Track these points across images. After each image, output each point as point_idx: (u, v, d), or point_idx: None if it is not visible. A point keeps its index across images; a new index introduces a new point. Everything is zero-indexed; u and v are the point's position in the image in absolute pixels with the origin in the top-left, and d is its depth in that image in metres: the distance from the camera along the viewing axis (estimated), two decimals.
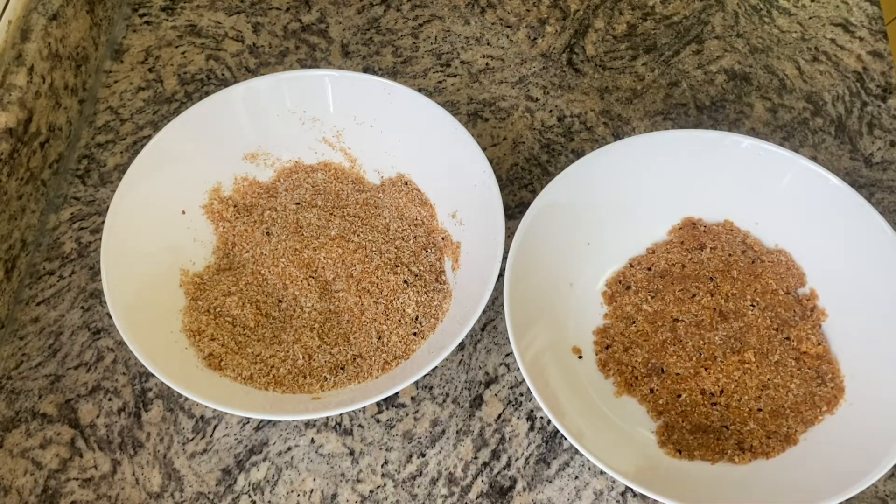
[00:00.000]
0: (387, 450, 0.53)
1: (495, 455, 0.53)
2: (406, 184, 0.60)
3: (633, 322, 0.55)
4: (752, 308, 0.55)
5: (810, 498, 0.45)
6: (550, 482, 0.52)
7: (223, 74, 0.69)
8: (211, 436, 0.53)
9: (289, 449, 0.53)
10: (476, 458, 0.53)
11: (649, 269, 0.57)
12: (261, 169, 0.61)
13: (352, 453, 0.53)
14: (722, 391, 0.52)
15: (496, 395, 0.55)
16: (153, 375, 0.54)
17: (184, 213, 0.58)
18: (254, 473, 0.52)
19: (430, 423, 0.54)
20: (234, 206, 0.60)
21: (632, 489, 0.51)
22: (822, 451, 0.49)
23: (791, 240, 0.57)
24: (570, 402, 0.50)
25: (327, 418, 0.54)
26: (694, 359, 0.53)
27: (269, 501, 0.51)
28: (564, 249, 0.56)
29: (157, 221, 0.56)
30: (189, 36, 0.71)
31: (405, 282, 0.55)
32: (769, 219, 0.57)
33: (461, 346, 0.56)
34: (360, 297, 0.55)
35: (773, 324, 0.54)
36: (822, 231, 0.55)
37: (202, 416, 0.54)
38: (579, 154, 0.56)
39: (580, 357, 0.54)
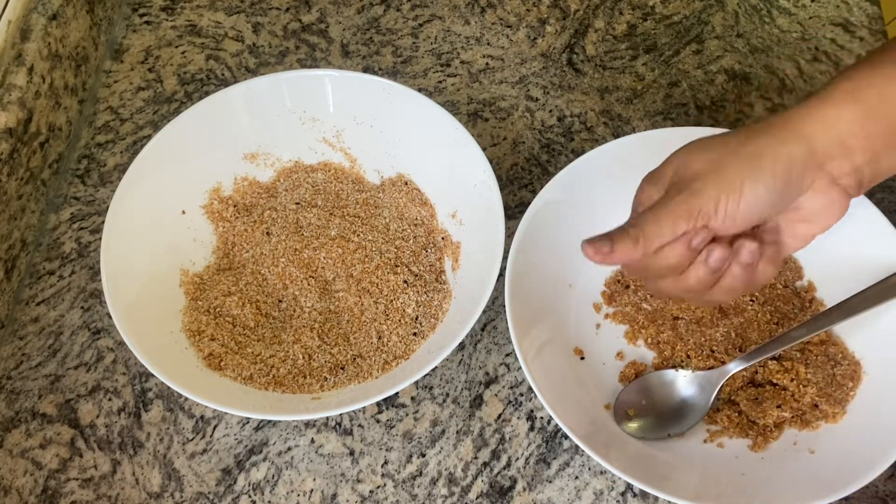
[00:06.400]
0: (387, 450, 0.53)
1: (495, 455, 0.53)
2: (406, 184, 0.60)
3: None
4: (751, 303, 0.55)
5: (811, 496, 0.45)
6: (550, 482, 0.52)
7: (223, 74, 0.69)
8: (211, 436, 0.53)
9: (289, 449, 0.53)
10: (476, 458, 0.53)
11: None
12: (261, 169, 0.61)
13: (352, 453, 0.53)
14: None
15: (496, 395, 0.55)
16: (153, 375, 0.54)
17: (184, 213, 0.58)
18: (254, 473, 0.52)
19: (430, 423, 0.54)
20: (234, 206, 0.60)
21: (632, 489, 0.51)
22: (825, 447, 0.49)
23: None
24: (572, 401, 0.51)
25: (327, 418, 0.54)
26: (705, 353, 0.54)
27: (269, 501, 0.51)
28: (564, 249, 0.56)
29: (157, 221, 0.56)
30: (189, 36, 0.71)
31: (405, 282, 0.55)
32: None
33: (461, 346, 0.56)
34: (360, 297, 0.55)
35: (774, 318, 0.54)
36: None
37: (202, 416, 0.54)
38: (579, 154, 0.56)
39: (582, 358, 0.54)
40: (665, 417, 0.52)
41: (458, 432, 0.53)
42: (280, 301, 0.56)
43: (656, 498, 0.51)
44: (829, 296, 0.55)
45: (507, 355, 0.56)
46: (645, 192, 0.43)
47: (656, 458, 0.50)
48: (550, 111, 0.67)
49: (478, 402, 0.54)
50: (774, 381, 0.52)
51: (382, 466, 0.52)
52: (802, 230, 0.43)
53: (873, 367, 0.51)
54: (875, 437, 0.47)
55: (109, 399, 0.54)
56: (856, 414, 0.50)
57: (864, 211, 0.54)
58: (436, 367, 0.50)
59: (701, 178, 0.40)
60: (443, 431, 0.53)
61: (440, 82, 0.69)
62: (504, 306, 0.51)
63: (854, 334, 0.53)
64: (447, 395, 0.55)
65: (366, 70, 0.69)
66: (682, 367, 0.53)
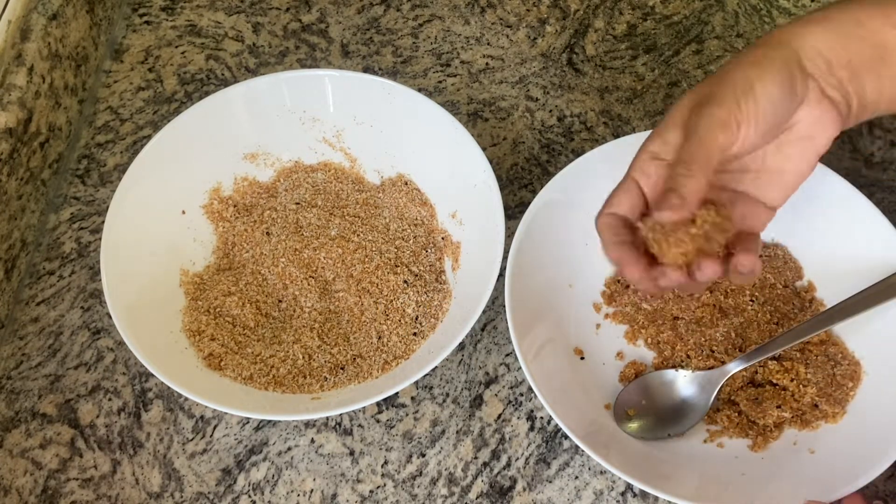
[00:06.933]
0: (387, 450, 0.53)
1: (495, 455, 0.53)
2: (406, 184, 0.60)
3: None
4: (751, 303, 0.55)
5: (811, 496, 0.45)
6: (550, 482, 0.52)
7: (223, 74, 0.69)
8: (211, 436, 0.53)
9: (289, 449, 0.53)
10: (476, 458, 0.53)
11: None
12: (261, 169, 0.61)
13: (352, 453, 0.53)
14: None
15: (496, 395, 0.55)
16: (153, 375, 0.54)
17: (184, 213, 0.58)
18: (254, 473, 0.52)
19: (430, 423, 0.54)
20: (234, 206, 0.60)
21: (632, 489, 0.51)
22: (825, 447, 0.49)
23: (786, 233, 0.57)
24: (572, 401, 0.51)
25: (327, 418, 0.54)
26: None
27: (269, 501, 0.51)
28: (564, 249, 0.56)
29: (157, 221, 0.56)
30: (189, 36, 0.71)
31: (405, 282, 0.55)
32: None
33: (461, 346, 0.56)
34: (360, 297, 0.55)
35: (773, 318, 0.54)
36: (815, 223, 0.56)
37: (202, 416, 0.54)
38: (579, 154, 0.56)
39: (582, 358, 0.54)
40: (665, 417, 0.52)
41: (458, 432, 0.53)
42: (280, 301, 0.56)
43: (656, 498, 0.51)
44: (829, 296, 0.55)
45: (507, 355, 0.56)
46: (654, 144, 0.43)
47: (656, 458, 0.50)
48: (550, 111, 0.67)
49: (478, 402, 0.54)
50: (774, 381, 0.52)
51: (382, 466, 0.52)
52: (806, 149, 0.44)
53: (873, 367, 0.51)
54: (875, 437, 0.47)
55: (109, 399, 0.54)
56: (856, 414, 0.50)
57: (864, 211, 0.54)
58: (436, 367, 0.50)
59: (717, 94, 0.41)
60: (443, 431, 0.53)
61: (440, 82, 0.69)
62: (504, 306, 0.51)
63: (854, 334, 0.53)
64: (447, 395, 0.55)
65: (366, 70, 0.69)
66: (682, 367, 0.53)
